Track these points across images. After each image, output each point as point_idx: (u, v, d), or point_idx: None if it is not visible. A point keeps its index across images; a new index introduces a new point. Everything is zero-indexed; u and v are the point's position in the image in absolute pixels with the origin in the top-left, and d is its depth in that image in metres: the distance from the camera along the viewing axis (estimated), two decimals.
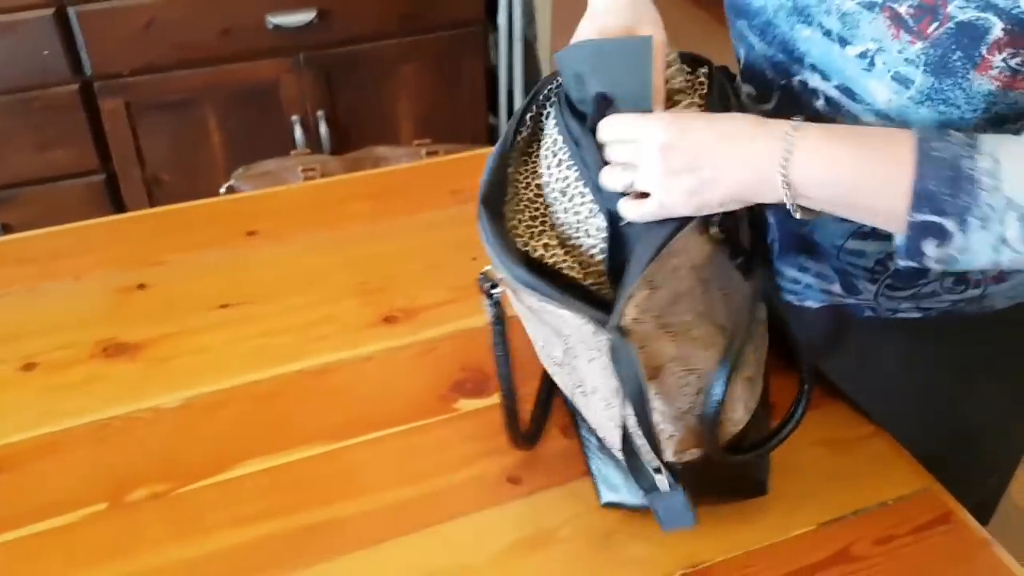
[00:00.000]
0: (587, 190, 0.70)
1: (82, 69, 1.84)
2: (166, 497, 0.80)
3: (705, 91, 0.74)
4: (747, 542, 0.77)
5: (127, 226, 1.17)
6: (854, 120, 0.71)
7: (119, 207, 1.99)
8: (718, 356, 0.71)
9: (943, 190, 0.59)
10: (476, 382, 0.91)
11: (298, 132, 2.00)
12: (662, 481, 0.69)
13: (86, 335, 0.96)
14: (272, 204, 1.20)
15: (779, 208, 0.65)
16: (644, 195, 0.66)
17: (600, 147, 0.69)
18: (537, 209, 0.73)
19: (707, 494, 0.76)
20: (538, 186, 0.74)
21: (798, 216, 0.65)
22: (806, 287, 0.84)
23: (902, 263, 0.63)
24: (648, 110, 0.68)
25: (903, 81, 0.66)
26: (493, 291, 0.73)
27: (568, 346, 0.72)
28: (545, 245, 0.71)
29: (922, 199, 0.60)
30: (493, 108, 2.24)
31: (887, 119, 0.68)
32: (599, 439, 0.77)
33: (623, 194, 0.68)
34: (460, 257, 1.03)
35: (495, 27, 2.14)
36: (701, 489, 0.74)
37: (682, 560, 0.75)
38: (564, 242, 0.72)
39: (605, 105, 0.68)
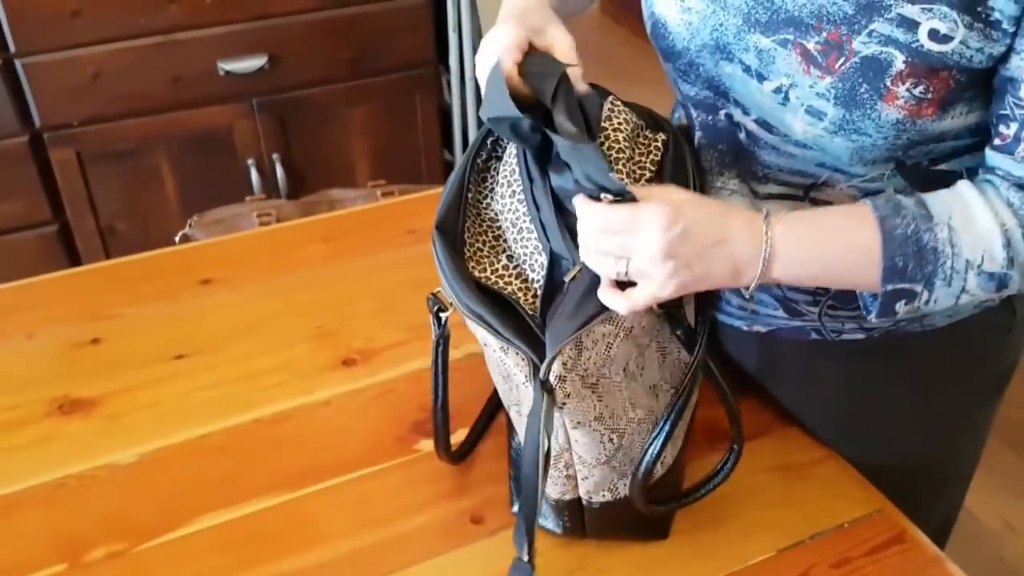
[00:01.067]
0: (533, 227, 0.71)
1: (31, 120, 1.83)
2: (124, 556, 0.79)
3: (659, 156, 0.74)
4: (709, 571, 0.77)
5: (79, 280, 1.16)
6: (773, 151, 0.75)
7: (73, 257, 1.97)
8: (643, 415, 0.74)
9: (910, 264, 0.66)
10: None
11: (254, 176, 2.00)
12: (522, 548, 0.70)
13: (40, 393, 0.95)
14: (226, 251, 1.19)
15: None
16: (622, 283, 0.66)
17: (557, 196, 0.69)
18: (499, 229, 0.74)
19: (613, 532, 0.79)
20: (495, 208, 0.75)
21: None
22: (752, 313, 0.85)
23: (875, 320, 0.69)
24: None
25: (816, 114, 0.69)
26: (441, 313, 0.74)
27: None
28: (504, 266, 0.72)
29: (892, 274, 0.66)
30: (448, 147, 2.25)
31: (805, 148, 0.73)
32: None
33: (570, 238, 0.68)
34: (417, 296, 1.02)
35: (447, 68, 2.16)
36: (607, 527, 0.78)
37: None
38: (516, 268, 0.73)
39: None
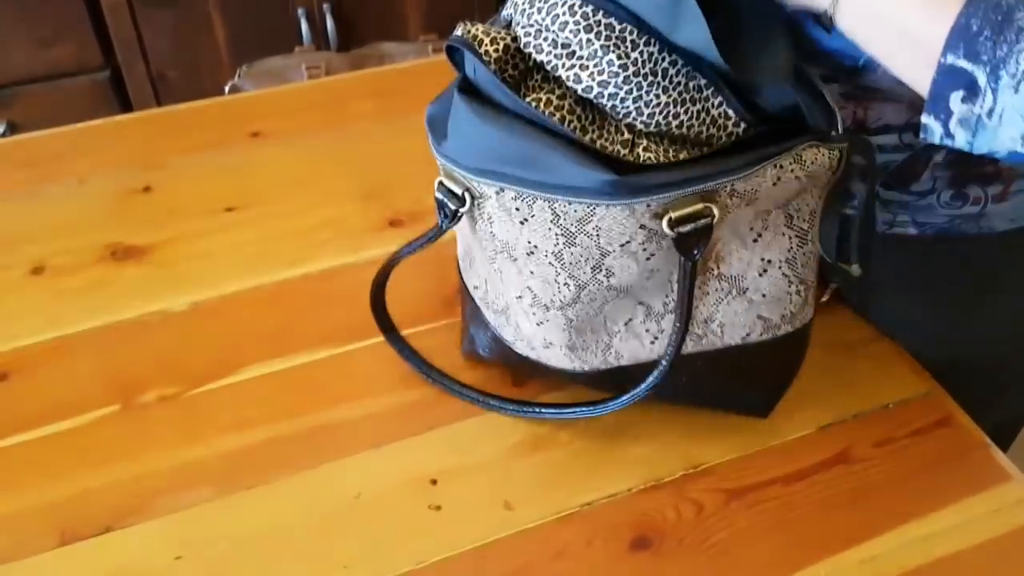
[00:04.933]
0: (674, 56, 0.64)
1: None
2: (176, 399, 0.81)
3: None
4: (747, 444, 0.78)
5: (130, 127, 1.15)
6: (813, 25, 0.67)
7: (125, 103, 1.97)
8: None
9: (985, 32, 0.54)
10: None
11: (304, 26, 1.96)
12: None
13: (93, 238, 0.96)
14: (276, 104, 1.18)
15: None
16: None
17: None
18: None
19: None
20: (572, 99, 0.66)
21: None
22: None
23: (925, 119, 0.58)
24: None
25: None
26: (460, 211, 0.72)
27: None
28: (644, 148, 0.65)
29: (959, 36, 0.55)
30: (505, 2, 2.18)
31: None
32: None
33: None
34: None
35: None
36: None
37: (682, 461, 0.76)
38: (651, 132, 0.65)
39: None
